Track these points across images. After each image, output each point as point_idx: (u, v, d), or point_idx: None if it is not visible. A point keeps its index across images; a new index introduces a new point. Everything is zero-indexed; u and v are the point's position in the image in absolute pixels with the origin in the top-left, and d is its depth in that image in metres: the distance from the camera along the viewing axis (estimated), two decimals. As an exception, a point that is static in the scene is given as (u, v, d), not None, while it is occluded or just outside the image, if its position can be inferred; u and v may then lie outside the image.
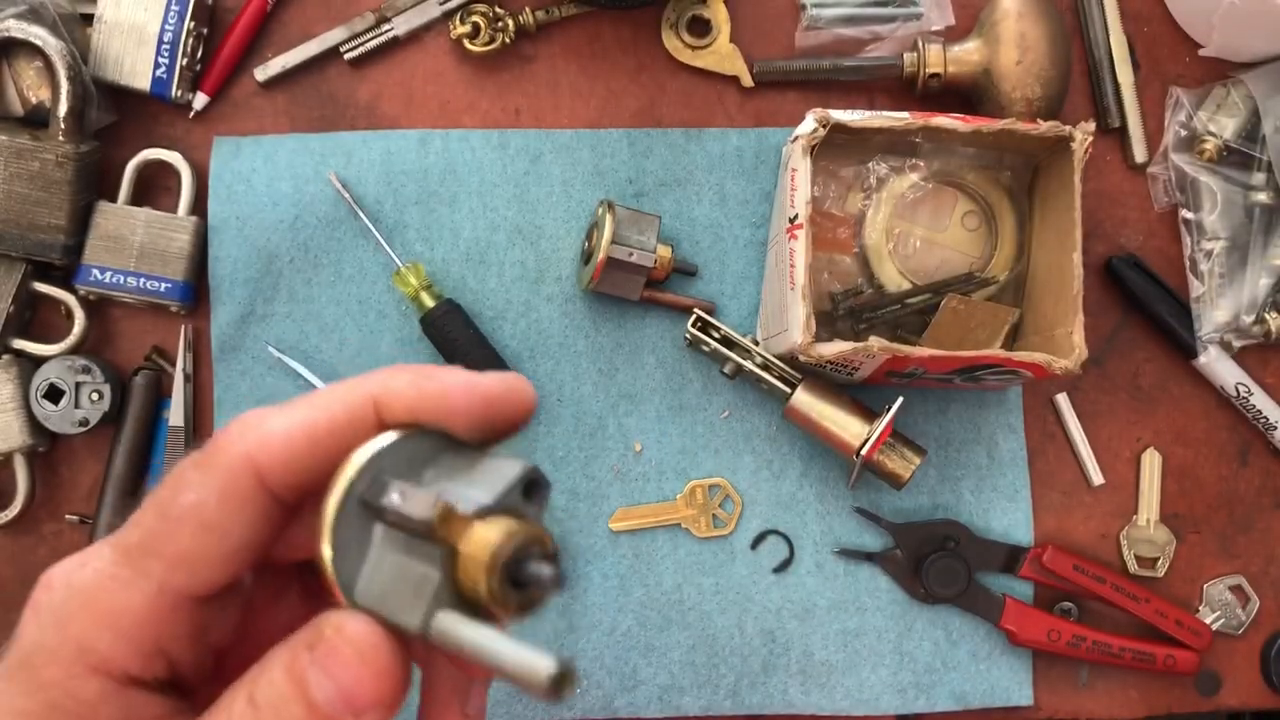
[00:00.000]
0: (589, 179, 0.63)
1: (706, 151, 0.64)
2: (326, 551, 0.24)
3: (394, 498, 0.24)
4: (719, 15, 0.64)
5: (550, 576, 0.24)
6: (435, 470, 0.26)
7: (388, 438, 0.26)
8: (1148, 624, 0.62)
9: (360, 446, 0.25)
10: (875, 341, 0.53)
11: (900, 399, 0.57)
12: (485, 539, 0.24)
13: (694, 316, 0.61)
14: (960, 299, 0.58)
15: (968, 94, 0.63)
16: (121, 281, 0.59)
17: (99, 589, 0.24)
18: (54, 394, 0.59)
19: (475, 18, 0.62)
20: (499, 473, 0.26)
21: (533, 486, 0.26)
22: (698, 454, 0.63)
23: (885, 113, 0.56)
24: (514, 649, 0.23)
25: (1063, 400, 0.65)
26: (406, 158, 0.62)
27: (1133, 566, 0.64)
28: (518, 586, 0.24)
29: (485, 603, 0.24)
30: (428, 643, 0.25)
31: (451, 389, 0.26)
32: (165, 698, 0.25)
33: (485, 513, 0.24)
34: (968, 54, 0.62)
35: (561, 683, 0.22)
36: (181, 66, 0.60)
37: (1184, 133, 0.65)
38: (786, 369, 0.59)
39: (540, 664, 0.22)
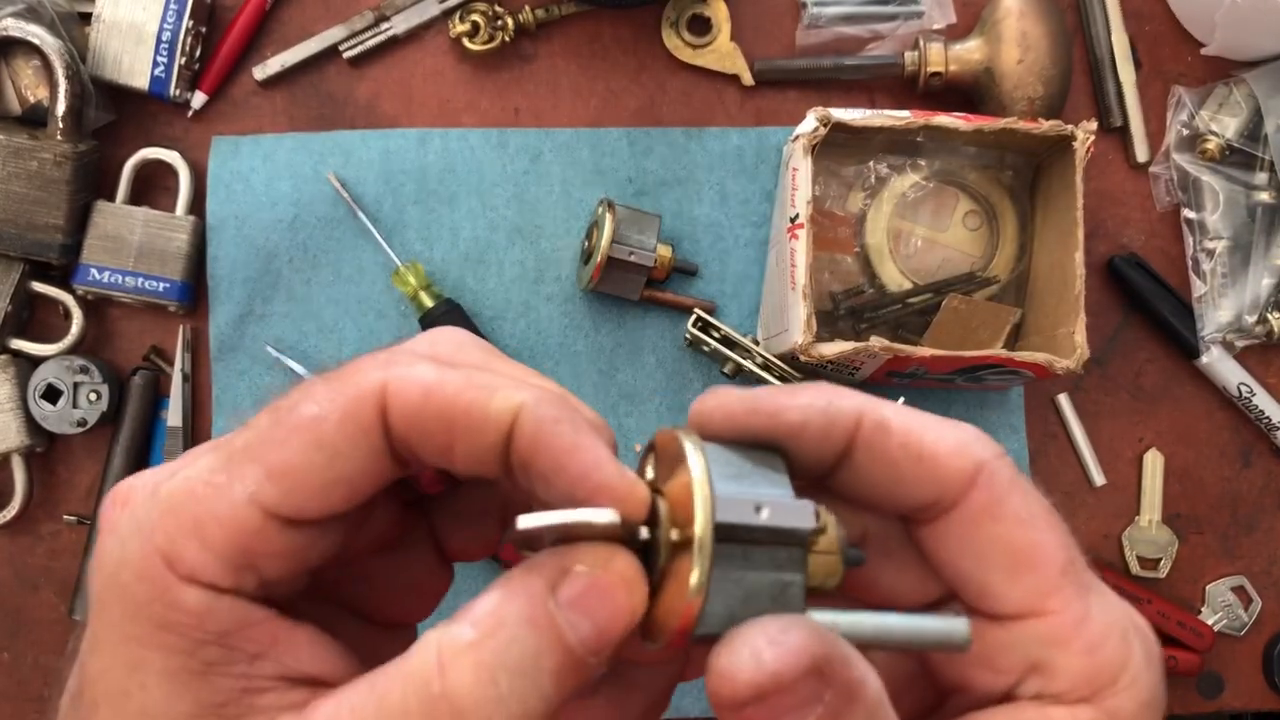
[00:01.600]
0: (589, 178, 0.63)
1: (707, 151, 0.63)
2: (697, 591, 0.22)
3: (764, 514, 0.23)
4: (719, 14, 0.64)
5: (863, 557, 0.25)
6: (728, 474, 0.24)
7: (699, 450, 0.23)
8: (1150, 625, 0.62)
9: (689, 468, 0.23)
10: (876, 341, 0.53)
11: (901, 399, 0.57)
12: (833, 536, 0.24)
13: (694, 316, 0.60)
14: (962, 299, 0.58)
15: (969, 93, 0.63)
16: (120, 281, 0.59)
17: (187, 495, 0.23)
18: (52, 394, 0.59)
19: (475, 16, 0.62)
20: (763, 464, 0.24)
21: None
22: (698, 454, 0.62)
23: (886, 112, 0.56)
24: (924, 621, 0.24)
25: (1064, 400, 0.64)
26: (406, 157, 0.62)
27: (1135, 567, 0.64)
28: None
29: (824, 594, 0.24)
30: None
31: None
32: (266, 606, 0.24)
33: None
34: (969, 53, 0.62)
35: (970, 629, 0.23)
36: (180, 65, 0.60)
37: (1186, 132, 0.65)
38: (787, 369, 0.59)
39: (956, 625, 0.23)
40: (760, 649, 0.21)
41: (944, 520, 0.25)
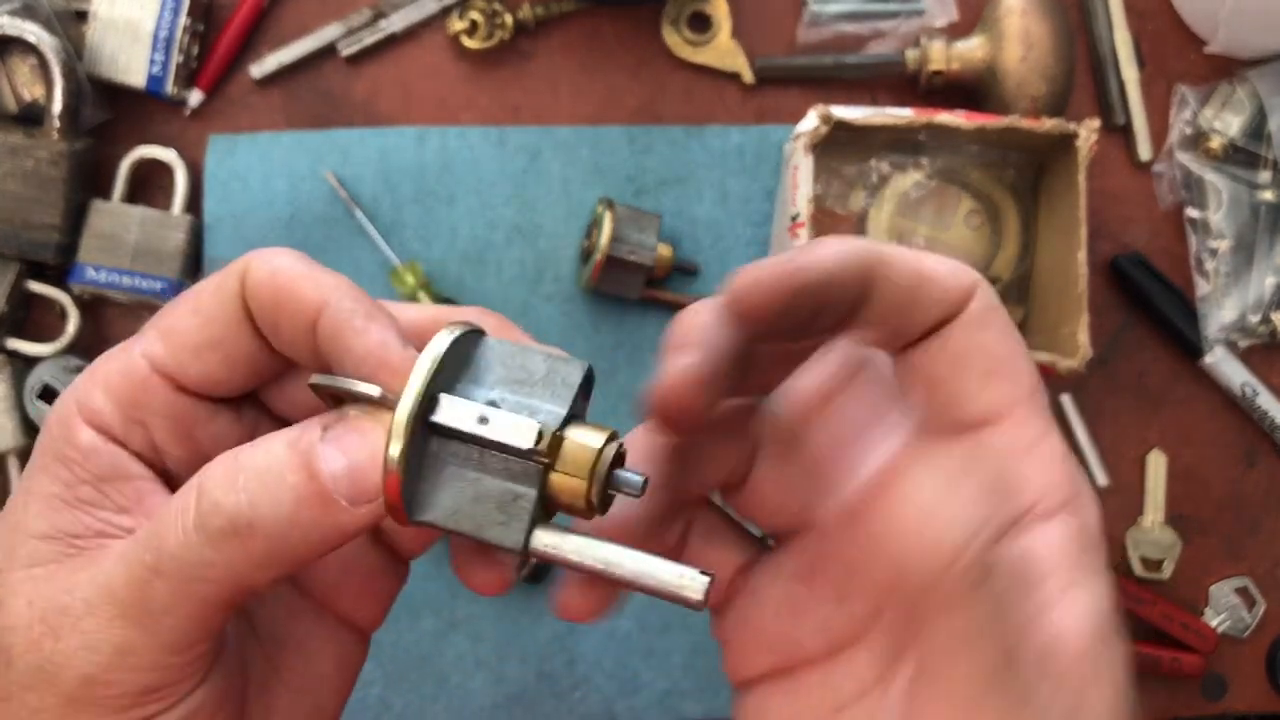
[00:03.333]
0: (588, 177, 0.63)
1: (707, 149, 0.63)
2: (396, 470, 0.23)
3: (485, 426, 0.24)
4: (720, 11, 0.63)
5: (641, 482, 0.25)
6: (482, 370, 0.25)
7: (443, 341, 0.24)
8: (1153, 627, 0.62)
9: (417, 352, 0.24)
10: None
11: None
12: (583, 454, 0.24)
13: (694, 316, 0.60)
14: (964, 298, 0.58)
15: (971, 91, 0.63)
16: (116, 280, 0.59)
17: (106, 355, 0.27)
18: (48, 394, 0.58)
19: (473, 14, 0.62)
20: (557, 374, 0.25)
21: (586, 382, 0.26)
22: (698, 455, 0.62)
23: (888, 110, 0.56)
24: (662, 566, 0.24)
25: (1067, 400, 0.64)
26: (404, 155, 0.62)
27: (1138, 569, 0.63)
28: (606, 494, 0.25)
29: (580, 513, 0.25)
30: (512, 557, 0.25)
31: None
32: (147, 468, 0.27)
33: (567, 423, 0.24)
34: (971, 50, 0.61)
35: (709, 590, 0.24)
36: (177, 63, 0.60)
37: (1189, 130, 0.65)
38: (788, 369, 0.58)
39: (694, 580, 0.24)
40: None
41: (937, 336, 0.26)
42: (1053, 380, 0.58)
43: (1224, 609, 0.64)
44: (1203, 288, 0.64)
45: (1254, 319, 0.63)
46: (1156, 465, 0.64)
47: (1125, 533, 0.64)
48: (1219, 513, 0.65)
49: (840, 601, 0.26)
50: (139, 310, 0.61)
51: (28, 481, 0.26)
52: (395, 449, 0.23)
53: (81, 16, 0.60)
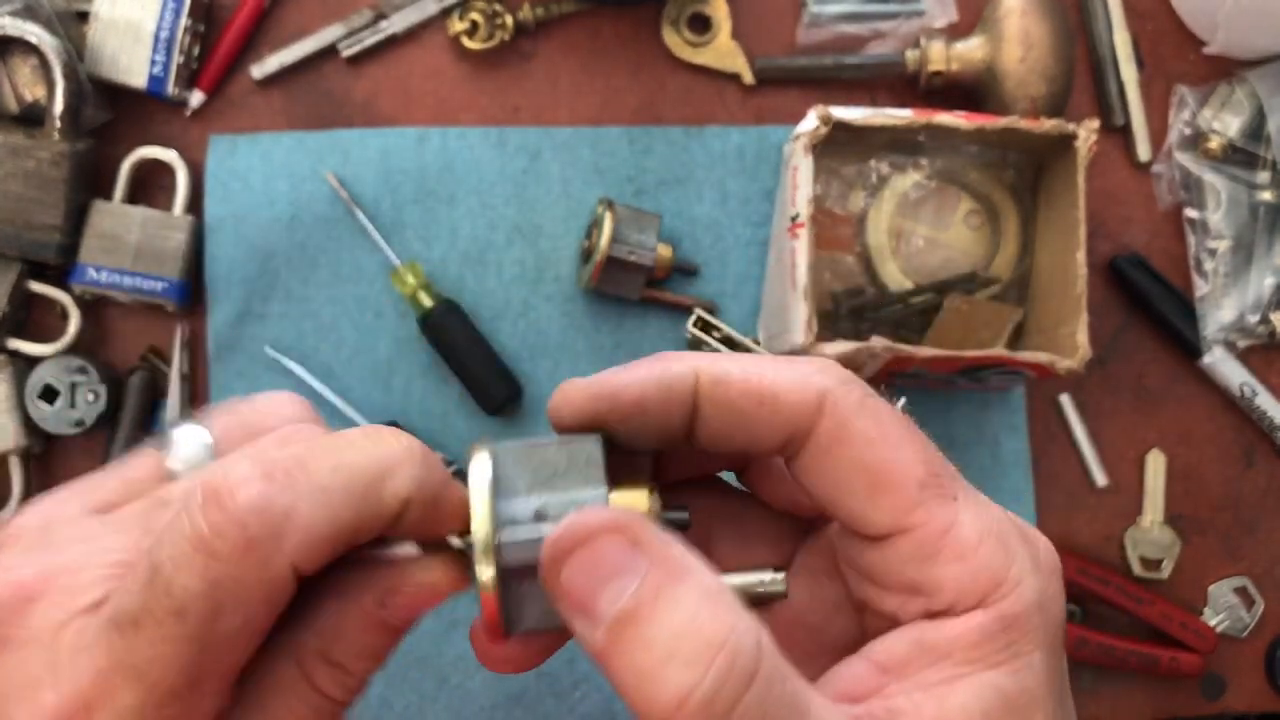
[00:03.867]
0: (588, 177, 0.63)
1: (707, 149, 0.63)
2: (493, 593, 0.25)
3: (545, 527, 0.25)
4: (720, 12, 0.63)
5: (686, 517, 0.26)
6: (509, 482, 0.26)
7: (485, 469, 0.25)
8: (1152, 626, 0.62)
9: (469, 493, 0.25)
10: (878, 342, 0.53)
11: (903, 399, 0.56)
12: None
13: (695, 316, 0.60)
14: (963, 299, 0.58)
15: (971, 91, 0.63)
16: (117, 281, 0.59)
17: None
18: (49, 394, 0.58)
19: (473, 14, 0.62)
20: (577, 458, 0.26)
21: (606, 449, 0.26)
22: (698, 455, 0.62)
23: (887, 110, 0.56)
24: (737, 578, 0.26)
25: (1066, 400, 0.64)
26: (404, 156, 0.62)
27: (1137, 568, 0.63)
28: None
29: None
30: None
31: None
32: None
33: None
34: (970, 51, 0.62)
35: (786, 579, 0.26)
36: (178, 64, 0.60)
37: (1188, 131, 0.65)
38: (788, 369, 0.58)
39: (770, 576, 0.26)
40: (573, 518, 0.23)
41: (803, 453, 0.25)
42: (1052, 381, 0.59)
43: (1223, 608, 0.64)
44: (1201, 288, 0.64)
45: (1253, 319, 0.63)
46: (1155, 465, 0.64)
47: (1124, 533, 0.64)
48: (1218, 512, 0.65)
49: None
50: (140, 310, 0.61)
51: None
52: (487, 575, 0.24)
53: (83, 17, 0.60)
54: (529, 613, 0.25)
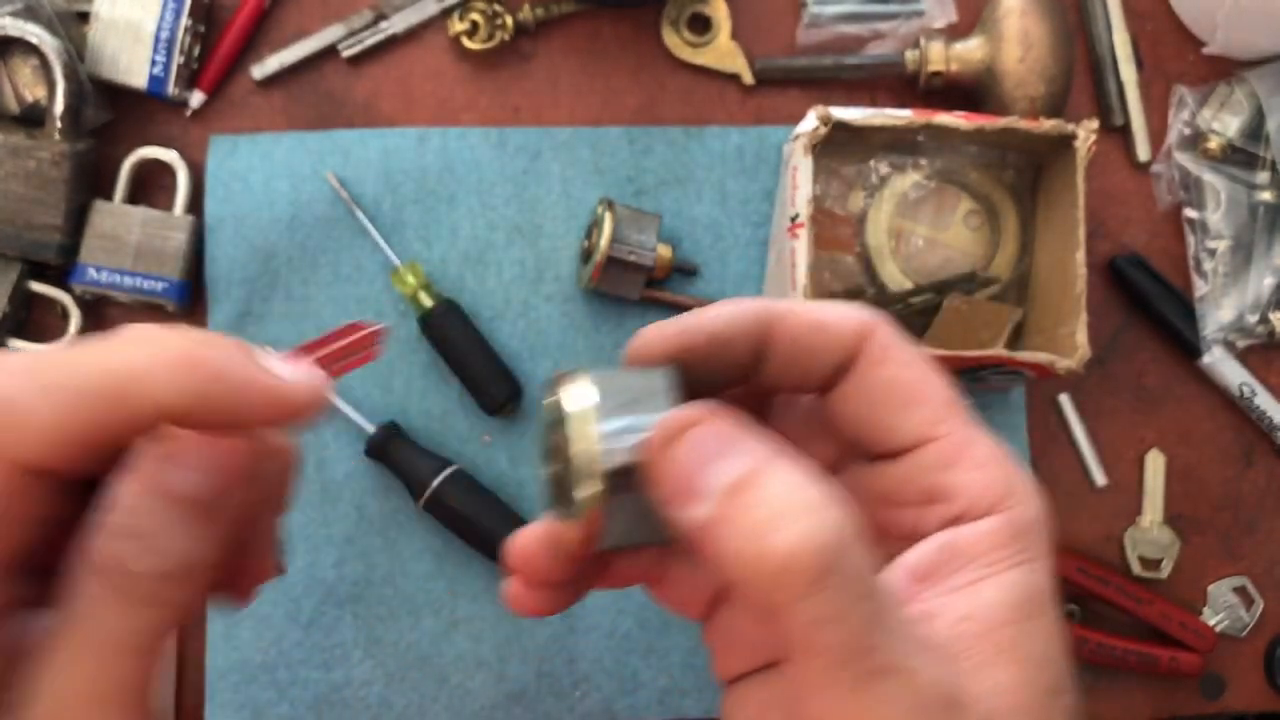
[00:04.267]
0: (588, 177, 0.63)
1: (707, 150, 0.63)
2: (597, 509, 0.26)
3: (629, 451, 0.26)
4: (720, 12, 0.64)
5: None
6: (615, 404, 0.27)
7: (587, 392, 0.26)
8: (1151, 626, 0.62)
9: (566, 412, 0.26)
10: (877, 341, 0.53)
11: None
12: None
13: (694, 316, 0.60)
14: (963, 299, 0.58)
15: (970, 92, 0.63)
16: (118, 281, 0.59)
17: None
18: (50, 394, 0.58)
19: (474, 15, 0.62)
20: (658, 383, 0.27)
21: (676, 377, 0.28)
22: (698, 455, 0.62)
23: (887, 111, 0.56)
24: None
25: (1066, 400, 0.64)
26: (404, 156, 0.62)
27: (1136, 568, 0.63)
28: None
29: None
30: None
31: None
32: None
33: None
34: (970, 51, 0.62)
35: None
36: (178, 64, 0.60)
37: (1188, 131, 0.65)
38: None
39: None
40: (675, 411, 0.25)
41: (847, 379, 0.28)
42: (1051, 380, 0.59)
43: (1222, 608, 0.64)
44: (1201, 288, 0.64)
45: (1252, 319, 0.63)
46: (1155, 465, 0.64)
47: (1124, 532, 0.64)
48: (1217, 512, 0.65)
49: None
50: (140, 310, 0.61)
51: None
52: (596, 489, 0.26)
53: (83, 17, 0.60)
54: (611, 530, 0.26)
